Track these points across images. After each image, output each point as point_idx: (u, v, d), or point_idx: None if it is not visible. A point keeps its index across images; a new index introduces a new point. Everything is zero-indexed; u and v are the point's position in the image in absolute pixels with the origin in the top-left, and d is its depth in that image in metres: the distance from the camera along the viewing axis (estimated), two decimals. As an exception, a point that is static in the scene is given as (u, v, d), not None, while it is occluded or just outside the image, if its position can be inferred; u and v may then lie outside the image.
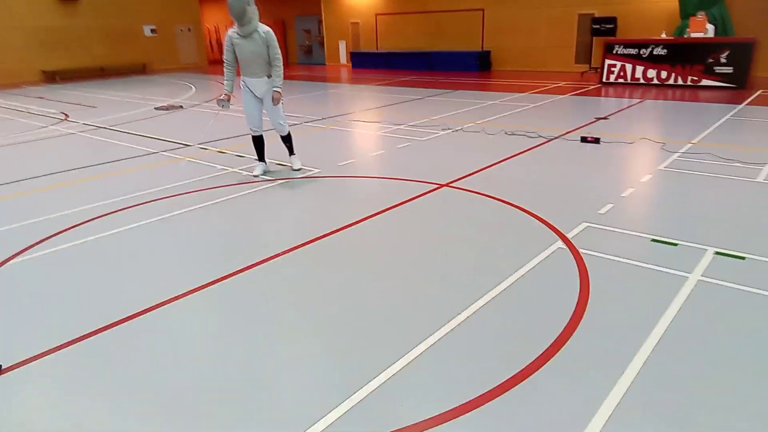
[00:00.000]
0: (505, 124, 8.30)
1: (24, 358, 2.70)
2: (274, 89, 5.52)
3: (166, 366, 2.61)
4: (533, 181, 5.38)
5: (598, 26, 14.84)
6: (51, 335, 2.90)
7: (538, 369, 2.47)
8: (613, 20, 14.62)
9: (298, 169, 6.02)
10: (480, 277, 3.39)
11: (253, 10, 5.18)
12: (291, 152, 6.08)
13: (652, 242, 3.79)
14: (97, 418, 2.25)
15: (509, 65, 17.71)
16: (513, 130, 7.79)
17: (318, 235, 4.15)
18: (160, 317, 3.05)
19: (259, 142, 5.90)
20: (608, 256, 3.58)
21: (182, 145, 7.63)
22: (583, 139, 6.97)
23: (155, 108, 11.50)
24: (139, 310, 3.13)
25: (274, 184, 5.61)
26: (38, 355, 2.72)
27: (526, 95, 11.61)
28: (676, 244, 3.73)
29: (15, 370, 2.61)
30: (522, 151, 6.59)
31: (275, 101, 5.55)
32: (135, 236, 4.30)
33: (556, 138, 7.24)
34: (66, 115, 11.07)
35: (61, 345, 2.81)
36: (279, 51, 5.45)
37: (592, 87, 12.51)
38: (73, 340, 2.84)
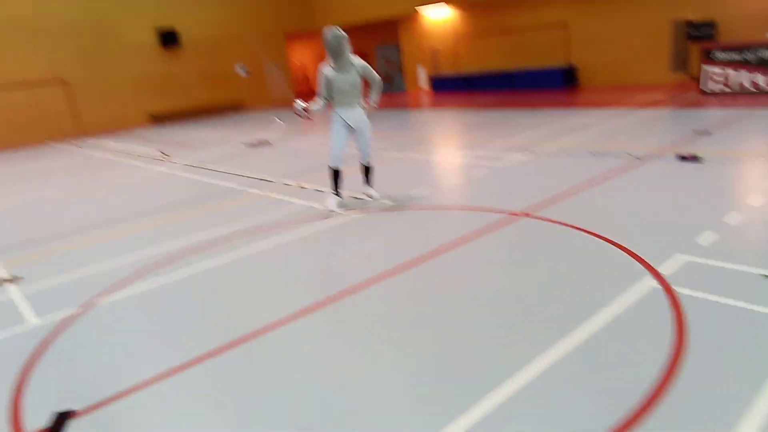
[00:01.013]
0: (591, 144, 7.82)
1: (143, 380, 2.86)
2: (372, 100, 5.83)
3: (274, 386, 2.71)
4: (621, 208, 4.95)
5: (694, 31, 13.76)
6: (163, 360, 3.06)
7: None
8: (711, 24, 13.50)
9: (376, 198, 6.09)
10: (558, 318, 3.10)
11: (347, 46, 5.40)
12: (368, 182, 6.16)
13: (765, 278, 3.30)
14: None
15: (598, 80, 16.87)
16: (599, 151, 7.31)
17: (394, 267, 4.04)
18: (263, 343, 3.16)
19: (338, 175, 5.92)
20: (708, 296, 3.15)
21: (266, 181, 7.92)
22: (681, 158, 6.37)
23: (245, 145, 12.11)
24: (240, 335, 3.28)
25: (348, 218, 5.62)
26: (157, 376, 2.84)
27: (616, 111, 10.93)
28: (793, 281, 3.23)
29: (135, 392, 2.74)
30: (609, 173, 6.14)
31: (371, 109, 5.81)
32: (224, 270, 4.44)
33: (649, 157, 6.68)
34: (166, 154, 11.95)
35: (174, 368, 2.99)
36: (376, 74, 5.75)
37: (691, 97, 11.56)
38: (181, 366, 2.98)
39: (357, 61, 5.55)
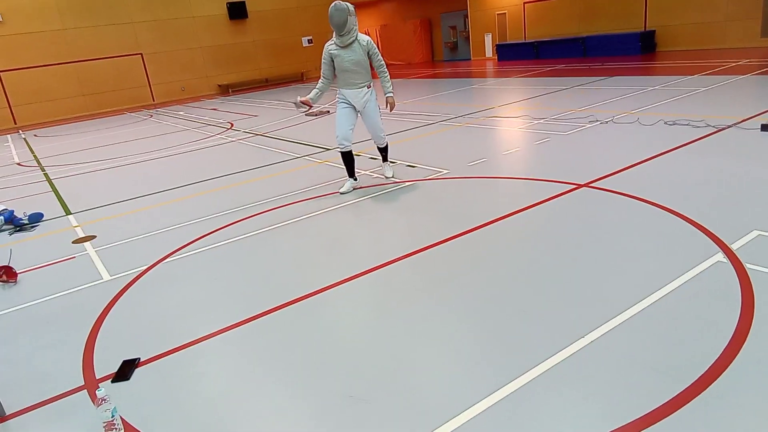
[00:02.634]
0: (666, 113, 7.34)
1: (203, 335, 3.05)
2: (388, 95, 5.48)
3: (321, 347, 2.80)
4: (694, 180, 4.64)
5: (794, -11, 12.45)
6: (221, 317, 3.22)
7: (683, 406, 2.07)
8: (815, -20, 12.16)
9: (390, 177, 5.85)
10: (616, 292, 2.98)
11: (353, 20, 5.12)
12: (385, 159, 5.95)
13: None
14: (266, 387, 2.41)
15: (679, 44, 15.71)
16: (675, 120, 6.84)
17: (445, 238, 4.01)
18: (314, 304, 3.25)
19: (349, 158, 5.58)
20: (785, 275, 2.92)
21: (323, 149, 8.01)
22: (765, 128, 5.86)
23: (305, 114, 12.26)
24: (293, 297, 3.41)
25: (401, 186, 5.59)
26: (216, 332, 3.02)
27: (697, 77, 10.16)
28: None
29: (195, 345, 2.95)
30: (683, 143, 5.75)
31: (392, 107, 5.52)
32: (280, 235, 4.57)
33: (730, 127, 6.19)
34: (232, 124, 12.32)
35: (231, 325, 3.16)
36: (381, 57, 5.47)
37: (785, 63, 10.55)
38: (237, 323, 3.14)
39: (364, 39, 5.25)
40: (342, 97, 5.43)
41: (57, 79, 19.30)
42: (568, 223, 4.10)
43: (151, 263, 4.31)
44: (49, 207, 6.53)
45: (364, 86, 5.35)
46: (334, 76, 5.42)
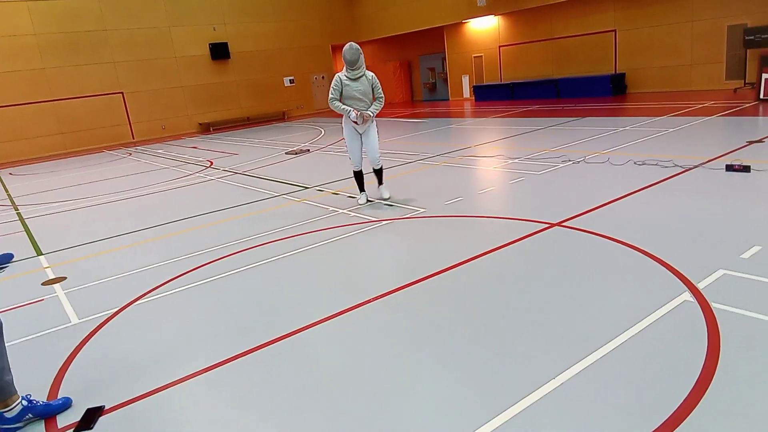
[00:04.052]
0: (635, 153, 7.56)
1: (173, 380, 2.96)
2: (371, 111, 6.22)
3: (300, 389, 2.73)
4: (661, 219, 4.76)
5: (752, 37, 13.13)
6: (193, 361, 3.14)
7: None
8: (771, 28, 12.84)
9: (387, 198, 6.53)
10: (586, 332, 3.00)
11: (362, 59, 6.11)
12: (380, 183, 6.68)
13: (812, 296, 3.10)
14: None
15: (648, 87, 16.32)
16: (644, 159, 7.05)
17: (421, 277, 4.02)
18: (292, 346, 3.20)
19: (361, 176, 6.61)
20: (748, 313, 2.98)
21: (303, 188, 8.05)
22: (729, 168, 6.08)
23: (286, 153, 12.35)
24: (271, 338, 3.35)
25: (379, 224, 5.63)
26: (187, 377, 2.94)
27: (665, 118, 10.54)
28: (844, 300, 3.01)
29: (165, 390, 2.85)
30: (652, 183, 5.91)
31: (365, 118, 6.15)
32: (258, 275, 4.53)
33: (696, 167, 6.40)
34: (211, 162, 12.33)
35: (203, 369, 3.09)
36: (382, 90, 6.36)
37: (747, 105, 11.01)
38: (210, 367, 3.07)
39: (370, 74, 6.23)
40: (348, 124, 6.31)
41: (34, 118, 19.20)
42: (541, 262, 4.16)
43: (122, 305, 4.22)
44: (20, 247, 6.40)
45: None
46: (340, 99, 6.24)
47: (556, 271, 3.95)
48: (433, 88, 24.77)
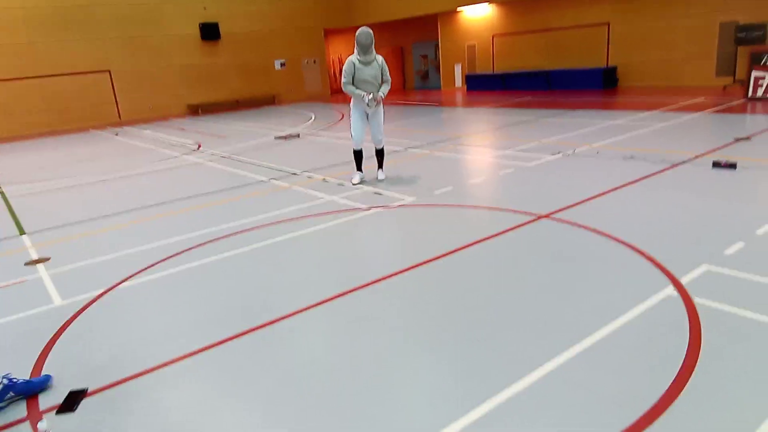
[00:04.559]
0: (624, 147, 7.61)
1: (159, 363, 2.94)
2: (381, 93, 6.52)
3: (294, 370, 2.70)
4: (648, 214, 4.80)
5: (743, 34, 13.22)
6: (179, 344, 3.13)
7: (623, 446, 2.11)
8: (762, 27, 12.94)
9: (382, 180, 6.90)
10: (572, 324, 3.03)
11: (373, 43, 6.41)
12: (381, 166, 6.99)
13: (792, 293, 3.15)
14: (227, 418, 2.33)
15: (639, 81, 16.39)
16: (633, 154, 7.10)
17: (409, 266, 4.03)
18: (277, 331, 3.18)
19: (360, 155, 6.88)
20: (728, 309, 3.03)
21: (291, 173, 8.00)
22: (716, 164, 6.14)
23: (275, 137, 12.26)
24: (257, 323, 3.34)
25: (369, 212, 5.62)
26: (173, 360, 2.92)
27: (655, 113, 10.60)
28: (823, 297, 3.06)
29: (149, 373, 2.84)
30: (639, 178, 5.96)
31: (377, 100, 6.47)
32: (245, 260, 4.51)
33: (684, 163, 6.45)
34: (199, 145, 12.21)
35: (190, 353, 3.07)
36: (389, 74, 6.70)
37: (736, 103, 11.11)
38: (194, 351, 3.05)
39: (380, 58, 6.54)
40: (357, 106, 6.62)
41: (19, 94, 18.82)
42: (528, 254, 4.18)
43: (107, 287, 4.19)
44: (2, 226, 6.31)
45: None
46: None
47: (542, 262, 3.98)
48: (425, 76, 24.67)
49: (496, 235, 4.58)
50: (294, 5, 23.98)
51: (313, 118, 15.92)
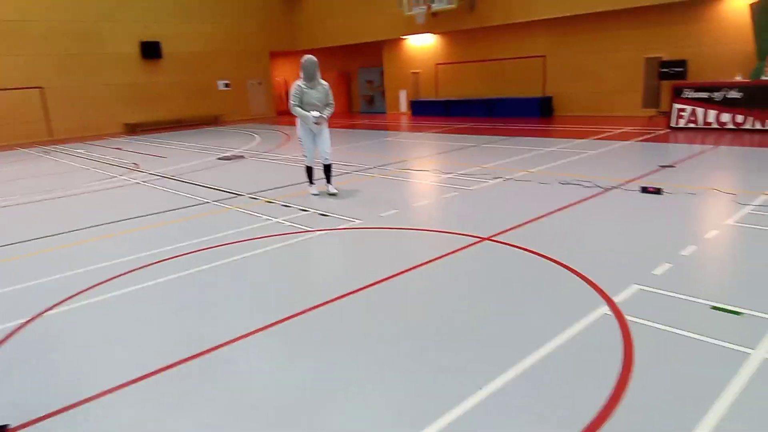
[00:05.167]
0: (560, 173, 7.96)
1: (85, 397, 2.73)
2: (324, 115, 7.07)
3: (236, 399, 2.55)
4: (582, 236, 5.03)
5: (666, 70, 14.25)
6: (108, 376, 2.92)
7: (563, 461, 2.16)
8: (682, 63, 14.00)
9: (334, 193, 7.33)
10: (511, 344, 3.10)
11: (318, 69, 6.98)
12: (329, 181, 7.46)
13: (713, 310, 3.36)
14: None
15: (572, 110, 17.28)
16: (568, 180, 7.44)
17: (354, 288, 4.01)
18: (220, 358, 3.02)
19: (312, 171, 7.53)
20: (658, 325, 3.20)
21: (234, 195, 7.84)
22: (644, 190, 6.52)
23: (218, 158, 12.02)
24: (204, 348, 3.15)
25: (314, 234, 5.58)
26: (101, 393, 2.72)
27: (587, 141, 11.18)
28: (740, 314, 3.29)
29: (75, 408, 2.61)
30: (574, 202, 6.24)
31: (319, 120, 6.99)
32: (184, 285, 4.34)
33: (614, 188, 6.82)
34: (137, 165, 11.78)
35: (120, 385, 2.85)
36: (332, 98, 7.26)
37: (660, 132, 11.89)
38: (127, 382, 2.86)
39: (325, 83, 7.14)
40: (305, 126, 7.15)
41: (-62, 108, 17.59)
42: (472, 275, 4.26)
43: (33, 315, 3.92)
44: None
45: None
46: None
47: (485, 284, 4.06)
48: (371, 100, 24.99)
49: (441, 257, 4.65)
50: (239, 27, 23.84)
51: (257, 139, 15.74)
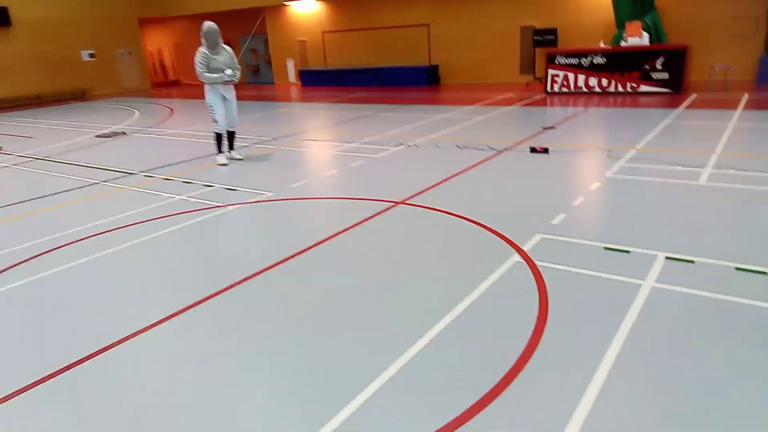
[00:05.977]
0: (456, 138, 8.38)
1: None
2: (235, 77, 7.27)
3: (127, 400, 2.43)
4: (487, 195, 5.41)
5: (539, 38, 15.30)
6: (13, 376, 2.66)
7: (503, 390, 2.43)
8: (553, 31, 15.11)
9: (241, 159, 7.69)
10: (438, 297, 3.34)
11: (220, 35, 7.19)
12: (232, 147, 7.75)
13: (606, 250, 3.85)
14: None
15: (457, 78, 18.02)
16: (464, 144, 7.87)
17: (273, 262, 4.01)
18: (126, 350, 2.86)
19: (222, 138, 7.53)
20: (564, 267, 3.61)
21: (126, 174, 7.33)
22: (533, 150, 7.11)
23: (96, 135, 11.05)
24: (100, 347, 2.93)
25: (227, 209, 5.44)
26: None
27: (475, 108, 11.80)
28: (628, 252, 3.80)
29: None
30: (474, 164, 6.65)
31: (232, 78, 7.19)
32: (84, 272, 4.05)
33: (506, 150, 7.35)
34: (0, 147, 10.48)
35: (26, 386, 2.61)
36: (237, 61, 7.46)
37: (538, 97, 12.85)
38: (38, 381, 2.63)
39: (229, 48, 7.33)
40: (215, 91, 7.24)
41: None
42: (391, 238, 4.45)
43: None
44: None
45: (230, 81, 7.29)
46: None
47: (405, 246, 4.27)
48: (256, 70, 24.12)
49: (360, 222, 4.78)
50: (102, -10, 21.65)
51: (137, 114, 14.63)
